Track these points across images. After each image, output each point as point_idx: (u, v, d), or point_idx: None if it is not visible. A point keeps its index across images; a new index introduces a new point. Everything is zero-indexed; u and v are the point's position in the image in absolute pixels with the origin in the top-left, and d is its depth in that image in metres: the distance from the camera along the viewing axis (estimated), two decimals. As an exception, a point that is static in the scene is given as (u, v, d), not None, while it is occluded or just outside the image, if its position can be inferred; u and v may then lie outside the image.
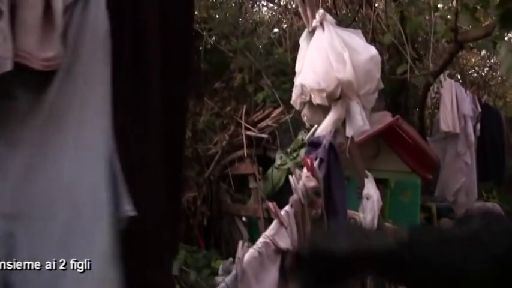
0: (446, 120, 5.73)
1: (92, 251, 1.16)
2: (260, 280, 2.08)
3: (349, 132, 2.63)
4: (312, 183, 2.39)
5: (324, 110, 2.74)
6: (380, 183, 4.88)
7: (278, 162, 4.55)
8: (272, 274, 2.13)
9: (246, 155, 4.60)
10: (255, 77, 5.20)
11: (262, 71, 4.97)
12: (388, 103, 6.49)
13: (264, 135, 4.60)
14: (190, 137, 5.58)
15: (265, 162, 5.05)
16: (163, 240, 1.50)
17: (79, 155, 1.23)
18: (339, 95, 2.59)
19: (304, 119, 2.91)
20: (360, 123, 2.55)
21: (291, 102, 2.90)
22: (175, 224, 1.72)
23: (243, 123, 4.71)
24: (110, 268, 1.16)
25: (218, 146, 5.09)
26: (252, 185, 4.83)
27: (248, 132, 4.70)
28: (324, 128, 2.63)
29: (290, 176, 2.36)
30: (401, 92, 6.64)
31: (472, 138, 6.06)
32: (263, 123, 4.81)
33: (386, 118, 4.55)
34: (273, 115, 4.80)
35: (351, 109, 2.60)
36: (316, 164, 2.50)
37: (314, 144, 2.62)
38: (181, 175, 1.79)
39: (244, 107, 4.93)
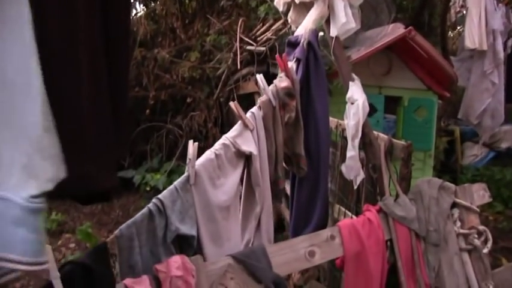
0: (472, 36, 5.27)
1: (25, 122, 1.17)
2: (218, 185, 1.89)
3: (333, 31, 2.36)
4: (284, 83, 2.20)
5: (309, 11, 2.50)
6: (393, 100, 4.63)
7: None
8: (232, 179, 1.94)
9: (239, 68, 4.37)
10: (259, -9, 4.90)
11: (265, -18, 4.67)
12: (410, 21, 6.06)
13: (262, 48, 4.34)
14: (198, 58, 5.43)
15: (271, 79, 4.82)
16: (106, 140, 1.46)
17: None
18: (320, -10, 2.34)
19: (290, 21, 2.68)
20: (343, 20, 2.30)
21: (275, 3, 2.67)
22: (121, 126, 1.61)
23: (238, 35, 4.45)
24: (46, 136, 1.18)
25: (223, 65, 4.89)
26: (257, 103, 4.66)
27: (249, 47, 4.45)
28: (304, 26, 2.40)
29: (257, 75, 2.17)
30: (424, 8, 6.14)
31: (501, 55, 5.54)
32: (263, 37, 4.54)
33: (398, 30, 4.18)
34: (273, 27, 4.52)
35: (334, 5, 2.34)
36: (292, 64, 2.30)
37: (292, 44, 2.40)
38: (126, 84, 1.69)
39: (241, 20, 4.66)
